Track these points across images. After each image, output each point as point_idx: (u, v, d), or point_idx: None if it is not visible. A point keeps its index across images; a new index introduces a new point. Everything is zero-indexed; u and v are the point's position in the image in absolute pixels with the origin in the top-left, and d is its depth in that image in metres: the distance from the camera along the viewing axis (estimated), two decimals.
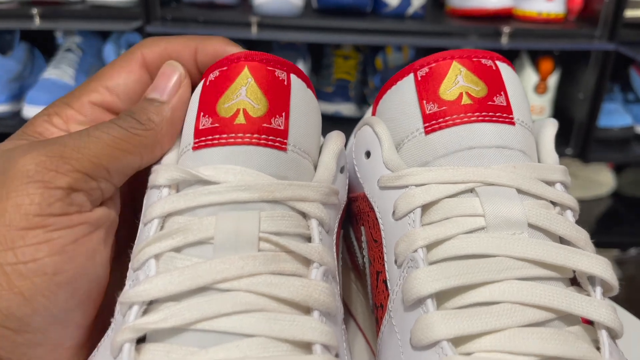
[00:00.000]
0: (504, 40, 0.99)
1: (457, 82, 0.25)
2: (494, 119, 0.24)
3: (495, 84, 0.25)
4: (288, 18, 1.02)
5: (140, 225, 0.23)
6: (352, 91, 1.16)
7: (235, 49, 0.26)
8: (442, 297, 0.21)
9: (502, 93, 0.25)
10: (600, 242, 1.29)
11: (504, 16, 1.06)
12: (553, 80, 1.11)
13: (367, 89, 1.19)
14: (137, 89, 0.26)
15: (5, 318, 0.21)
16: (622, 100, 1.16)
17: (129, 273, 0.22)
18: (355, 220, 0.28)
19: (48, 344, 0.22)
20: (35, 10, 0.98)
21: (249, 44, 1.23)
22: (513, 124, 0.24)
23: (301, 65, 1.12)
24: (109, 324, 0.22)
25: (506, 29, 0.99)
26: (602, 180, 1.33)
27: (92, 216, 0.22)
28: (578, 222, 0.24)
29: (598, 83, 1.04)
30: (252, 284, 0.20)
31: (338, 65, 1.20)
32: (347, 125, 1.17)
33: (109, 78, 0.26)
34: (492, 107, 0.24)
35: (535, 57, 1.11)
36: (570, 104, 1.10)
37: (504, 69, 0.26)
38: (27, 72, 1.14)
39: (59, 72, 1.08)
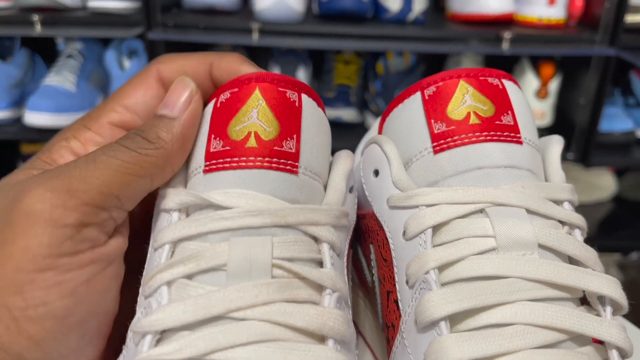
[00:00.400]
0: (505, 46, 1.00)
1: (465, 101, 0.25)
2: (502, 138, 0.24)
3: (503, 103, 0.25)
4: (289, 24, 1.02)
5: (150, 250, 0.23)
6: (353, 96, 1.16)
7: (250, 68, 0.26)
8: (455, 319, 0.21)
9: (509, 112, 0.25)
10: (602, 246, 1.30)
11: (505, 21, 1.06)
12: (554, 85, 1.11)
13: (368, 94, 1.19)
14: (156, 105, 0.26)
15: None
16: (623, 105, 1.16)
17: (140, 299, 0.22)
18: (364, 238, 0.28)
19: None
20: (36, 17, 0.98)
21: (250, 50, 1.23)
22: (521, 143, 0.25)
23: (302, 71, 1.12)
24: (119, 350, 0.22)
25: (507, 35, 0.99)
26: (604, 184, 1.33)
27: (104, 251, 0.22)
28: None
29: (599, 88, 1.04)
30: (267, 313, 0.20)
31: (339, 70, 1.20)
32: (348, 130, 1.17)
33: (127, 96, 0.26)
34: (499, 127, 0.24)
35: (536, 62, 1.12)
36: (572, 108, 1.10)
37: (511, 87, 0.26)
38: (27, 78, 1.14)
39: (60, 78, 1.08)
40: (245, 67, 0.26)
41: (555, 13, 1.05)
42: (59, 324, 0.20)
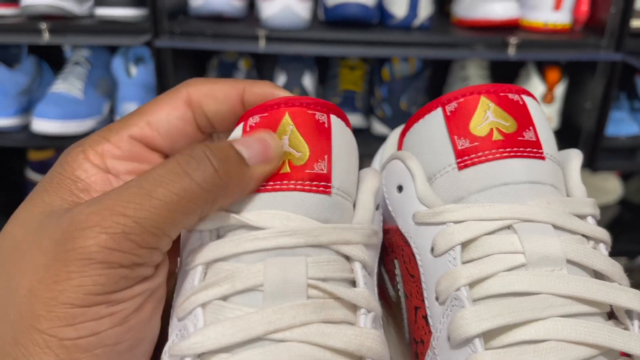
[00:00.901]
0: (511, 51, 1.00)
1: (487, 117, 0.25)
2: (525, 154, 0.25)
3: (524, 119, 0.25)
4: (295, 31, 1.02)
5: (181, 272, 0.23)
6: (359, 102, 1.16)
7: (284, 93, 0.26)
8: (488, 336, 0.22)
9: (530, 128, 0.25)
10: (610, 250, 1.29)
11: (511, 27, 1.06)
12: (560, 90, 1.11)
13: (374, 100, 1.20)
14: (180, 126, 0.25)
15: None
16: (629, 109, 1.16)
17: (173, 322, 0.22)
18: (386, 253, 0.29)
19: None
20: (44, 25, 0.98)
21: (256, 57, 1.23)
22: (543, 158, 0.25)
23: (308, 77, 1.13)
24: None
25: (513, 40, 0.99)
26: (610, 187, 1.33)
27: (154, 282, 0.22)
28: None
29: (605, 92, 1.04)
30: (305, 334, 0.20)
31: (344, 75, 1.20)
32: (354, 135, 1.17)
33: (151, 113, 0.25)
34: (522, 143, 0.25)
35: (542, 67, 1.12)
36: (578, 113, 1.10)
37: (531, 103, 0.26)
38: (35, 85, 1.15)
39: (68, 85, 1.09)
40: (279, 92, 0.26)
41: (561, 18, 1.05)
42: (109, 351, 0.20)
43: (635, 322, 0.22)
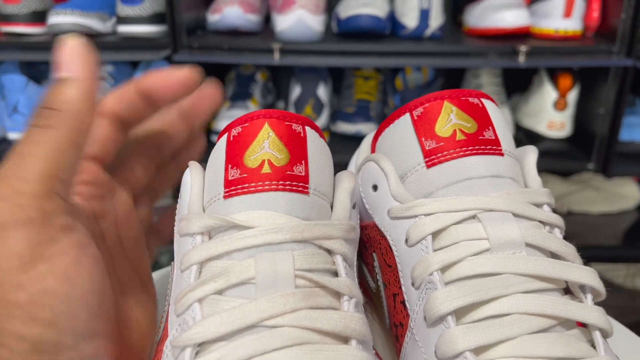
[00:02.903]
0: (522, 59, 1.01)
1: (450, 120, 0.28)
2: (485, 151, 0.27)
3: (483, 120, 0.28)
4: (309, 43, 1.05)
5: (176, 272, 0.26)
6: (373, 111, 1.18)
7: (168, 70, 0.30)
8: (459, 313, 0.24)
9: (490, 128, 0.28)
10: (627, 256, 1.28)
11: (522, 35, 1.08)
12: (572, 96, 1.12)
13: (387, 109, 1.22)
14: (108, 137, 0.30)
15: (39, 347, 0.22)
16: None
17: (172, 319, 0.24)
18: (365, 247, 0.31)
19: (82, 354, 0.23)
20: None
21: (272, 69, 1.27)
22: (502, 155, 0.28)
23: (322, 88, 1.15)
24: None
25: (523, 48, 1.00)
26: (628, 193, 1.32)
27: (79, 234, 0.24)
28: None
29: (618, 98, 1.05)
30: (296, 319, 0.22)
31: (359, 85, 1.23)
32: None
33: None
34: (483, 141, 0.27)
35: (554, 74, 1.13)
36: (591, 119, 1.11)
37: (489, 105, 0.29)
38: None
39: None
40: (164, 70, 0.30)
41: (572, 25, 1.06)
42: (65, 305, 0.22)
43: (589, 295, 0.25)
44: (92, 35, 1.08)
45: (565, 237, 0.27)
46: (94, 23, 1.06)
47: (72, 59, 0.24)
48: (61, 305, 0.22)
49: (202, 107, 0.34)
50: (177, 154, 0.35)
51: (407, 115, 0.29)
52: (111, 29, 1.11)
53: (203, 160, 0.28)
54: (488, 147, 0.27)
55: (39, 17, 1.09)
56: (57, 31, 1.05)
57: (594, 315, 0.24)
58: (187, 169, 0.28)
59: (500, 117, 0.29)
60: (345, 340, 0.23)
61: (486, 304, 0.24)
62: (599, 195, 1.34)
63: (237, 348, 0.21)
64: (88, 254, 0.24)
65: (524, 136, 1.16)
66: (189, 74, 0.30)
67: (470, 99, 0.28)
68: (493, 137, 0.28)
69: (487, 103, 0.29)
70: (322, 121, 1.14)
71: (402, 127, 0.29)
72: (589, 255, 1.29)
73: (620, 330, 0.39)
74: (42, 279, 0.22)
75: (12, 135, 1.12)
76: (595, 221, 1.32)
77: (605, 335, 0.24)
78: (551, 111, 1.12)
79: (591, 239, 1.27)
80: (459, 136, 0.27)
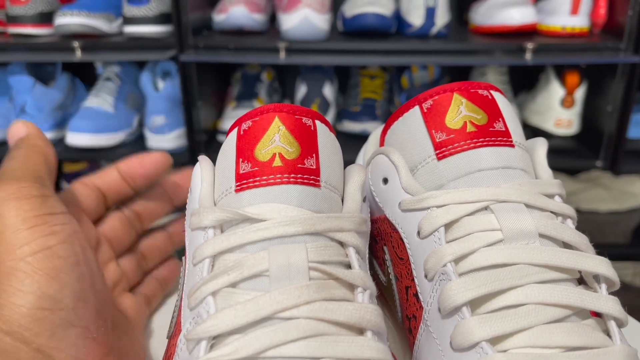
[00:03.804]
0: (528, 56, 1.01)
1: (460, 112, 0.28)
2: (496, 143, 0.27)
3: (493, 112, 0.28)
4: (315, 42, 1.05)
5: (189, 266, 0.25)
6: (379, 110, 1.18)
7: (143, 155, 0.36)
8: (474, 304, 0.24)
9: (500, 119, 0.28)
10: (636, 254, 1.27)
11: (528, 32, 1.07)
12: (580, 93, 1.11)
13: (393, 107, 1.22)
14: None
15: (40, 299, 0.25)
16: None
17: (185, 313, 0.24)
18: (376, 241, 0.31)
19: (78, 325, 0.26)
20: (76, 44, 1.04)
21: (277, 68, 1.27)
22: (513, 146, 0.27)
23: (328, 87, 1.15)
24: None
25: (529, 45, 1.00)
26: (636, 191, 1.32)
27: (69, 227, 0.27)
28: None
29: (625, 95, 1.04)
30: (311, 311, 0.22)
31: (365, 84, 1.23)
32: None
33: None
34: (493, 133, 0.27)
35: (561, 71, 1.12)
36: (599, 116, 1.10)
37: (499, 97, 0.29)
38: (69, 101, 1.20)
39: (99, 100, 1.14)
40: (139, 155, 0.35)
41: (579, 22, 1.05)
42: (63, 262, 0.26)
43: (603, 285, 0.25)
44: (98, 36, 1.08)
45: (577, 228, 0.27)
46: (101, 23, 1.07)
47: (16, 133, 0.31)
48: (60, 263, 0.26)
49: (181, 190, 0.39)
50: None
51: (417, 107, 0.28)
52: (117, 30, 1.11)
53: (212, 155, 0.28)
54: (499, 138, 0.27)
55: (45, 18, 1.09)
56: (64, 32, 1.05)
57: (609, 304, 0.24)
58: (197, 164, 0.28)
59: (509, 109, 0.28)
60: (360, 331, 0.23)
61: (501, 294, 0.24)
62: (607, 193, 1.33)
63: (252, 340, 0.21)
64: (79, 240, 0.28)
65: (531, 134, 1.16)
66: (160, 156, 0.36)
67: (480, 91, 0.28)
68: (503, 129, 0.27)
69: (496, 95, 0.29)
70: (328, 120, 1.14)
71: (412, 119, 0.29)
72: (598, 253, 1.29)
73: (632, 324, 0.39)
74: (45, 237, 0.25)
75: None
76: (603, 219, 1.31)
77: (620, 324, 0.24)
78: (558, 109, 1.11)
79: (600, 237, 1.27)
80: (470, 128, 0.27)
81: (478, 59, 1.08)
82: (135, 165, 0.35)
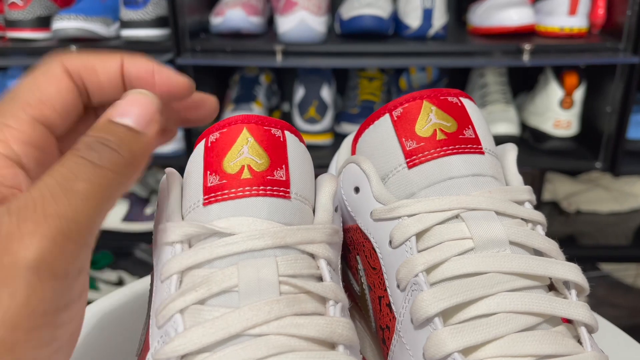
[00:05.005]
0: (527, 58, 1.00)
1: (430, 119, 0.28)
2: (466, 150, 0.27)
3: (463, 119, 0.28)
4: (312, 45, 1.05)
5: (156, 283, 0.25)
6: None
7: (165, 71, 0.26)
8: (446, 314, 0.24)
9: (469, 127, 0.28)
10: (638, 255, 1.26)
11: (526, 33, 1.07)
12: (579, 94, 1.10)
13: None
14: (71, 101, 0.24)
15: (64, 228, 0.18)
16: None
17: (153, 331, 0.24)
18: (348, 250, 0.31)
19: None
20: (74, 48, 1.04)
21: (275, 71, 1.27)
22: (483, 153, 0.27)
23: (326, 89, 1.15)
24: None
25: (528, 46, 0.99)
26: (637, 192, 1.31)
27: (84, 298, 0.21)
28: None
29: (625, 96, 1.03)
30: (281, 327, 0.21)
31: (363, 86, 1.22)
32: None
33: (39, 89, 0.23)
34: (463, 140, 0.27)
35: (560, 72, 1.11)
36: (598, 117, 1.09)
37: (468, 104, 0.29)
38: None
39: None
40: (160, 68, 0.25)
41: (577, 22, 1.05)
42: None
43: (573, 291, 0.25)
44: (96, 40, 1.08)
45: (550, 235, 0.27)
46: (98, 27, 1.07)
47: (145, 113, 0.23)
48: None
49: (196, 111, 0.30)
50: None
51: (387, 115, 0.28)
52: (115, 33, 1.12)
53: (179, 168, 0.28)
54: (469, 145, 0.27)
55: (43, 22, 1.09)
56: (62, 36, 1.06)
57: (579, 311, 0.24)
58: (164, 176, 0.27)
59: (479, 116, 0.28)
60: (332, 346, 0.23)
61: (472, 303, 0.24)
62: (608, 194, 1.32)
63: (221, 359, 0.20)
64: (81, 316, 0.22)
65: (530, 135, 1.15)
66: (184, 84, 0.27)
67: (449, 98, 0.28)
68: (473, 136, 0.27)
69: (465, 102, 0.28)
70: (326, 123, 1.14)
71: (382, 127, 0.28)
72: (599, 255, 1.29)
73: (605, 326, 0.39)
74: (38, 350, 0.19)
75: None
76: (604, 220, 1.30)
77: (591, 330, 0.24)
78: (557, 110, 1.11)
79: (601, 239, 1.26)
80: (440, 136, 0.27)
81: (476, 60, 1.07)
82: (145, 78, 0.25)
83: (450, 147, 0.27)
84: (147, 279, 0.39)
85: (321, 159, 0.69)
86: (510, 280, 0.24)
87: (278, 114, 1.29)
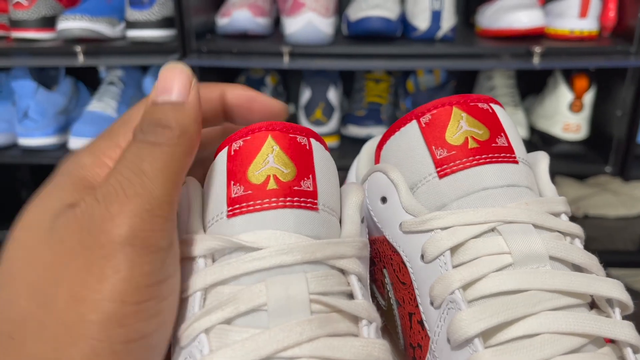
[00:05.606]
0: (536, 60, 0.99)
1: (461, 127, 0.26)
2: (500, 159, 0.26)
3: (495, 127, 0.26)
4: (318, 46, 1.04)
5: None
6: (384, 114, 1.17)
7: (263, 98, 0.27)
8: (486, 334, 0.23)
9: (502, 134, 0.26)
10: None
11: (536, 35, 1.06)
12: (589, 97, 1.09)
13: (398, 112, 1.20)
14: None
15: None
16: None
17: (176, 351, 0.22)
18: (374, 263, 0.29)
19: None
20: (79, 48, 1.03)
21: (282, 72, 1.25)
22: (517, 162, 0.26)
23: (332, 91, 1.14)
24: None
25: (537, 49, 0.98)
26: None
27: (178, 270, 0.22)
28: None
29: (635, 99, 1.02)
30: (314, 349, 0.20)
31: (370, 88, 1.21)
32: None
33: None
34: (496, 149, 0.26)
35: (570, 75, 1.10)
36: (608, 121, 1.08)
37: (499, 111, 0.27)
38: (72, 105, 1.20)
39: (102, 104, 1.14)
40: (259, 96, 0.27)
41: (588, 25, 1.04)
42: (150, 353, 0.21)
43: (616, 309, 0.24)
44: (101, 41, 1.07)
45: (585, 246, 0.26)
46: (103, 28, 1.06)
47: (180, 85, 0.24)
48: (148, 355, 0.21)
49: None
50: None
51: (415, 122, 0.27)
52: (120, 34, 1.11)
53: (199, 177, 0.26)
54: (502, 154, 0.26)
55: (48, 22, 1.09)
56: (67, 36, 1.05)
57: (625, 330, 0.23)
58: (184, 186, 0.26)
59: (511, 123, 0.27)
60: None
61: (514, 323, 0.22)
62: (616, 198, 1.31)
63: None
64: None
65: (539, 139, 1.14)
66: (278, 108, 0.28)
67: (480, 104, 0.27)
68: (506, 144, 0.26)
69: (496, 108, 0.27)
70: (332, 125, 1.13)
71: (410, 134, 0.27)
72: (607, 260, 1.27)
73: None
74: (147, 322, 0.20)
75: (23, 141, 1.12)
76: (613, 225, 1.29)
77: (637, 350, 0.23)
78: (567, 113, 1.09)
79: (609, 244, 1.25)
80: (472, 144, 0.26)
81: (485, 62, 1.06)
82: (245, 106, 0.28)
83: (483, 156, 0.26)
84: None
85: None
86: (552, 298, 0.23)
87: None
